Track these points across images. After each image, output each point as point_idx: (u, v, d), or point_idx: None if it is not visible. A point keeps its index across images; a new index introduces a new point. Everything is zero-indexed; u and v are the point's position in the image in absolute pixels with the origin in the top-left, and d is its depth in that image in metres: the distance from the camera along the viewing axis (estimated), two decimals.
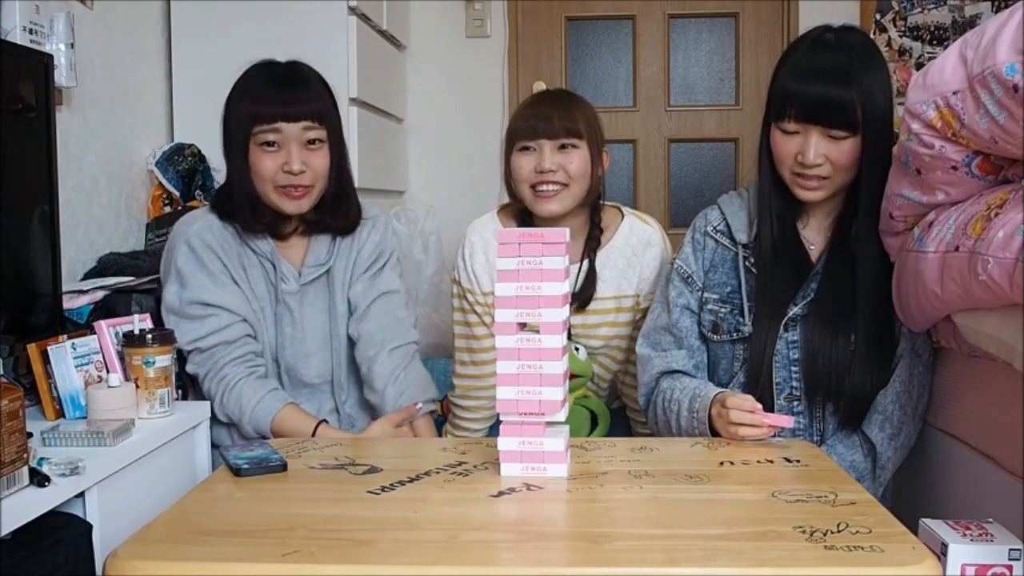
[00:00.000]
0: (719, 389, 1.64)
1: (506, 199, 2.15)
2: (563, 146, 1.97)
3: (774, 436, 1.53)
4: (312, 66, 1.88)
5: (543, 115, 1.97)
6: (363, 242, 1.93)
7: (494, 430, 2.17)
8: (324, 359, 1.87)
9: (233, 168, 1.82)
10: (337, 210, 1.87)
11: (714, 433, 1.60)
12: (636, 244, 2.07)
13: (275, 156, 1.76)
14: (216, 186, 2.56)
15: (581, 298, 2.05)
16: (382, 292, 1.92)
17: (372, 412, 1.91)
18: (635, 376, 2.04)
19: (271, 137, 1.76)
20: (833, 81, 1.61)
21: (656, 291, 1.93)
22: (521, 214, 2.09)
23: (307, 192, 1.79)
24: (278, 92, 1.78)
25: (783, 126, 1.66)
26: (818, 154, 1.63)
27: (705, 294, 1.79)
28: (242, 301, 1.80)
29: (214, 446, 1.81)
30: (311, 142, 1.79)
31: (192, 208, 2.47)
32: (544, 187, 1.97)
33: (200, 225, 1.81)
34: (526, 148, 1.99)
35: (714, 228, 1.80)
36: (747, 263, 1.76)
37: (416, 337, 1.97)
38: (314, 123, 1.78)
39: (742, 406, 1.52)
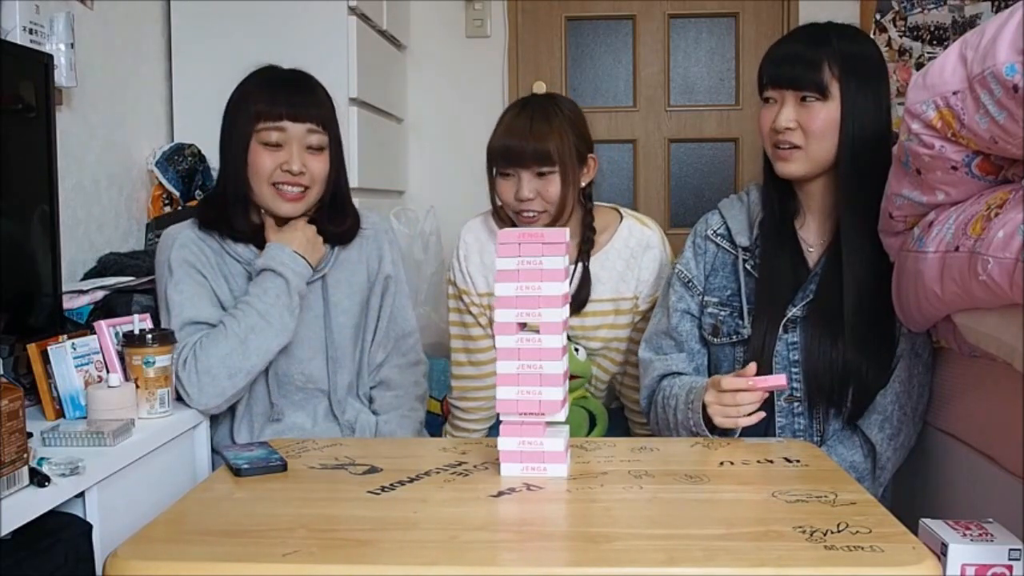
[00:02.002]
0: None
1: None
2: (538, 173, 1.96)
3: (775, 438, 1.53)
4: (313, 65, 1.88)
5: (517, 142, 1.95)
6: (367, 263, 1.93)
7: (494, 430, 2.17)
8: (318, 366, 1.86)
9: (230, 168, 1.81)
10: (335, 217, 1.87)
11: (708, 425, 1.60)
12: (635, 246, 2.07)
13: (275, 155, 1.77)
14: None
15: (576, 301, 2.05)
16: (399, 358, 1.98)
17: (373, 427, 1.91)
18: (634, 377, 2.05)
19: (274, 136, 1.76)
20: (802, 41, 1.69)
21: (658, 295, 1.94)
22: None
23: (303, 196, 1.79)
24: (285, 94, 1.79)
25: (763, 97, 1.72)
26: (788, 118, 1.66)
27: (705, 297, 1.79)
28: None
29: (214, 451, 1.81)
30: (312, 147, 1.79)
31: (192, 208, 2.47)
32: (525, 213, 1.99)
33: (178, 244, 1.80)
34: (503, 175, 1.99)
35: (714, 232, 1.81)
36: (747, 266, 1.76)
37: (423, 384, 2.05)
38: (318, 128, 1.79)
39: (736, 384, 1.53)
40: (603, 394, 2.16)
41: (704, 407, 1.60)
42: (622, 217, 2.11)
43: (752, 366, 1.56)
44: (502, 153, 1.98)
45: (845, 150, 1.66)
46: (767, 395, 1.55)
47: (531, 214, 1.98)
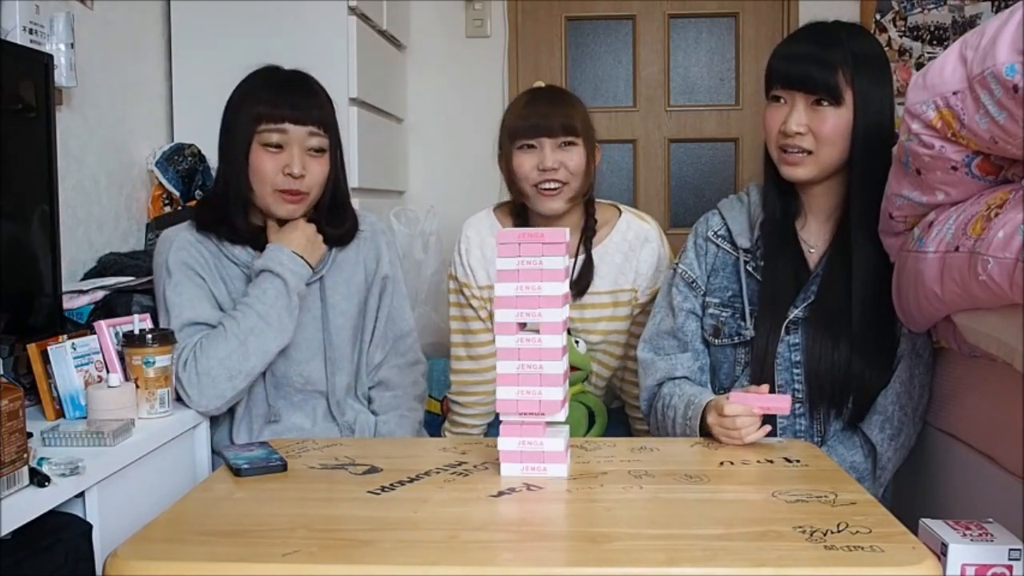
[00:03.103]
0: (713, 396, 1.62)
1: (506, 197, 2.16)
2: (562, 144, 1.99)
3: (775, 438, 1.53)
4: (313, 65, 1.88)
5: (542, 113, 2.00)
6: (364, 264, 1.92)
7: (493, 429, 2.18)
8: (317, 368, 1.85)
9: (230, 170, 1.80)
10: (334, 219, 1.87)
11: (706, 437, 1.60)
12: (633, 240, 2.09)
13: (277, 157, 1.76)
14: None
15: (579, 287, 2.07)
16: (399, 357, 1.98)
17: (372, 428, 1.91)
18: (634, 372, 2.05)
19: (275, 138, 1.76)
20: (817, 40, 1.66)
21: (657, 295, 1.94)
22: (517, 211, 2.11)
23: (303, 198, 1.79)
24: (287, 95, 1.78)
25: (771, 95, 1.70)
26: (799, 122, 1.64)
27: (707, 298, 1.79)
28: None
29: (214, 451, 1.81)
30: (313, 149, 1.79)
31: (192, 209, 2.48)
32: (547, 184, 1.99)
33: (175, 246, 1.80)
34: (527, 146, 2.01)
35: (715, 233, 1.81)
36: (748, 267, 1.76)
37: (423, 384, 2.05)
38: (319, 130, 1.79)
39: (735, 411, 1.51)
40: (602, 392, 2.17)
41: (704, 420, 1.59)
42: (620, 212, 2.14)
43: (765, 387, 1.56)
44: (527, 122, 2.00)
45: (856, 154, 1.65)
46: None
47: (553, 185, 1.99)
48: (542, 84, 2.16)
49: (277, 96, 1.78)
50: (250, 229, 1.82)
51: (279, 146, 1.76)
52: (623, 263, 2.09)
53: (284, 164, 1.76)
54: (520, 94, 2.14)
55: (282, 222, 1.83)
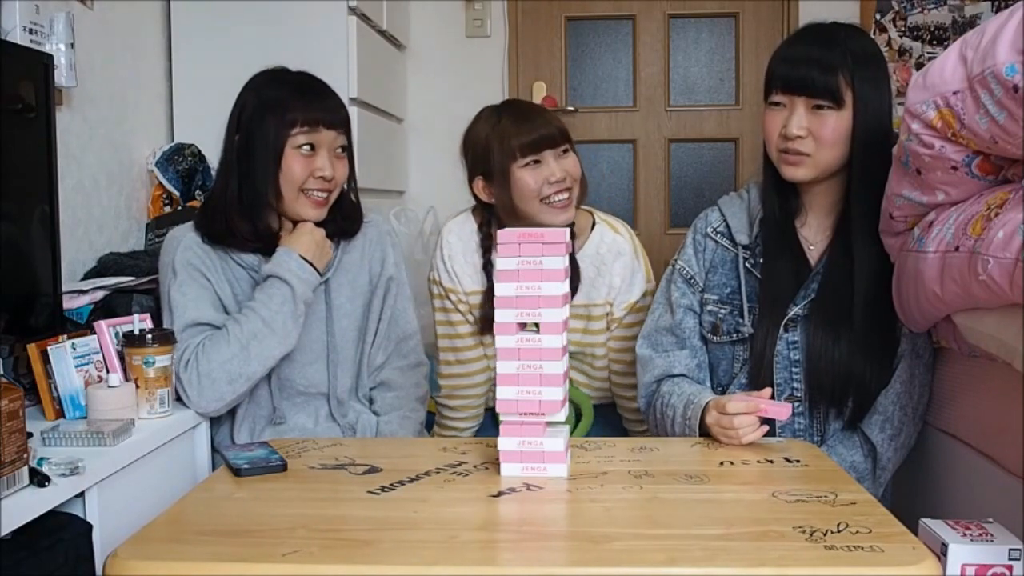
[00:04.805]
0: (713, 396, 1.63)
1: None
2: (562, 152, 2.00)
3: (775, 438, 1.53)
4: (313, 65, 1.88)
5: (541, 125, 1.98)
6: (369, 266, 1.92)
7: (483, 430, 2.17)
8: (319, 370, 1.85)
9: (256, 174, 1.77)
10: (349, 213, 1.89)
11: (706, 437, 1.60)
12: (606, 253, 2.07)
13: (308, 160, 1.76)
14: None
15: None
16: (401, 359, 1.97)
17: (374, 428, 1.91)
18: (622, 386, 2.09)
19: (310, 139, 1.76)
20: (817, 43, 1.66)
21: (634, 302, 1.98)
22: (491, 216, 2.09)
23: (328, 200, 1.81)
24: (317, 99, 1.79)
25: (771, 100, 1.69)
26: (800, 126, 1.64)
27: (705, 295, 1.79)
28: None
29: (214, 450, 1.81)
30: (339, 150, 1.80)
31: (192, 208, 2.48)
32: (558, 197, 1.97)
33: (182, 246, 1.80)
34: (531, 163, 1.98)
35: (714, 229, 1.81)
36: (747, 264, 1.76)
37: (425, 386, 2.03)
38: (343, 131, 1.81)
39: (737, 409, 1.51)
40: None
41: (703, 419, 1.59)
42: (594, 221, 2.11)
43: (767, 391, 1.56)
44: (534, 139, 1.97)
45: (857, 155, 1.65)
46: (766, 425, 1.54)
47: (563, 198, 1.98)
48: (543, 87, 2.18)
49: (309, 100, 1.78)
50: (262, 234, 1.81)
51: (312, 149, 1.77)
52: (596, 277, 2.07)
53: (315, 167, 1.76)
54: (486, 115, 2.05)
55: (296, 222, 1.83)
